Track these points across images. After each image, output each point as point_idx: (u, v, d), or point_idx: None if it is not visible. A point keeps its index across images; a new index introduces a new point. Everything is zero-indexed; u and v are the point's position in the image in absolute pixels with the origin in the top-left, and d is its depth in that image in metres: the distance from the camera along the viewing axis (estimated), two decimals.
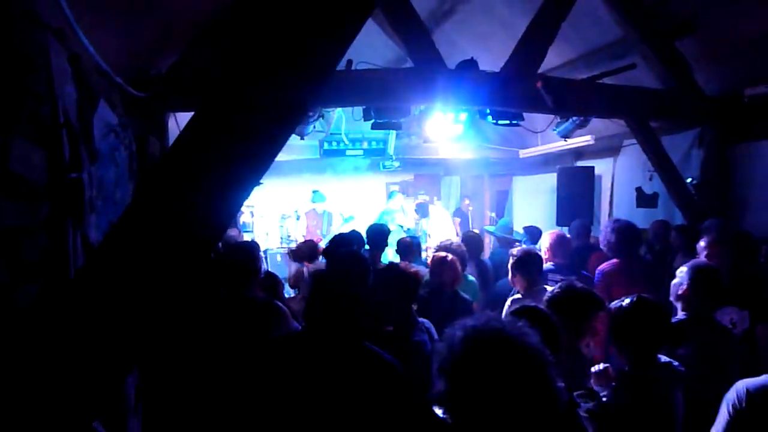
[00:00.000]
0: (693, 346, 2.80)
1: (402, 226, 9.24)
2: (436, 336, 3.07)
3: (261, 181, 1.79)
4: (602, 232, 4.84)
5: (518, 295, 3.92)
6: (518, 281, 3.95)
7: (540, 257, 4.09)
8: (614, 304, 2.63)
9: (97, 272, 1.60)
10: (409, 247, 5.51)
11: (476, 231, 7.14)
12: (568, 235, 4.96)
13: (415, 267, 3.45)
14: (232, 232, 6.62)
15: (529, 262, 3.93)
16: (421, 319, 3.22)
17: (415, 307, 3.28)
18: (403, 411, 2.20)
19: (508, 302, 3.93)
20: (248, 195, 1.73)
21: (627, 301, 2.58)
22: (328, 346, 2.26)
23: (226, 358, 2.70)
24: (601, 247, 4.85)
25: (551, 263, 4.64)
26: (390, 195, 10.25)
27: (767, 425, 1.93)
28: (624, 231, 4.58)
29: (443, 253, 4.30)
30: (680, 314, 3.04)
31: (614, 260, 4.56)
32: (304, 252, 5.91)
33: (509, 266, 4.03)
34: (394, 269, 3.31)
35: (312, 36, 1.57)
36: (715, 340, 2.93)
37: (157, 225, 1.55)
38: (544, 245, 4.76)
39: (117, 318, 1.58)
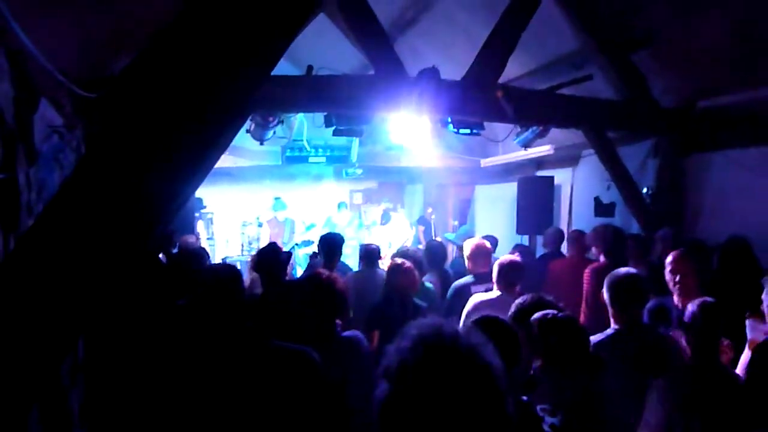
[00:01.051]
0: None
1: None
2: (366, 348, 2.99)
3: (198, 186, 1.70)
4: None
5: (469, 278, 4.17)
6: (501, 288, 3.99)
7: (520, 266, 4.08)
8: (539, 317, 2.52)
9: (19, 263, 1.51)
10: (374, 254, 5.45)
11: (439, 239, 7.13)
12: (489, 245, 4.96)
13: (338, 276, 3.15)
14: (189, 238, 6.46)
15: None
16: (348, 333, 3.00)
17: (339, 321, 3.05)
18: (318, 393, 2.24)
19: (469, 305, 3.95)
20: (180, 197, 1.65)
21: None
22: (234, 347, 2.27)
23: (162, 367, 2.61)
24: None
25: (471, 276, 4.59)
26: (339, 206, 10.12)
27: None
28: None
29: (399, 260, 4.27)
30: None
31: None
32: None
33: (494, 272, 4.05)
34: (313, 282, 2.98)
35: (249, 39, 1.53)
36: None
37: (80, 218, 1.47)
38: (465, 255, 4.75)
39: (38, 313, 1.50)
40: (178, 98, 1.54)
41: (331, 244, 5.19)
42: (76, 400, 2.92)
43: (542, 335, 2.40)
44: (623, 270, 3.15)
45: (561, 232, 6.29)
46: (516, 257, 4.15)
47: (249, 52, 1.57)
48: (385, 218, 9.14)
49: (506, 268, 3.97)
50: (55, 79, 2.81)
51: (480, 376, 1.22)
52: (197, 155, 1.55)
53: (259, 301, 3.05)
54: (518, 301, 2.83)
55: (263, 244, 8.90)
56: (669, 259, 3.68)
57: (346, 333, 2.98)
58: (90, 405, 2.98)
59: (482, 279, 4.44)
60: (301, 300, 2.90)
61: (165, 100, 1.54)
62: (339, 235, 5.57)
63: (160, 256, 4.68)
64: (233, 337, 2.29)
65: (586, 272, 4.64)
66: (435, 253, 5.44)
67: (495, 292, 3.99)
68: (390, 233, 8.73)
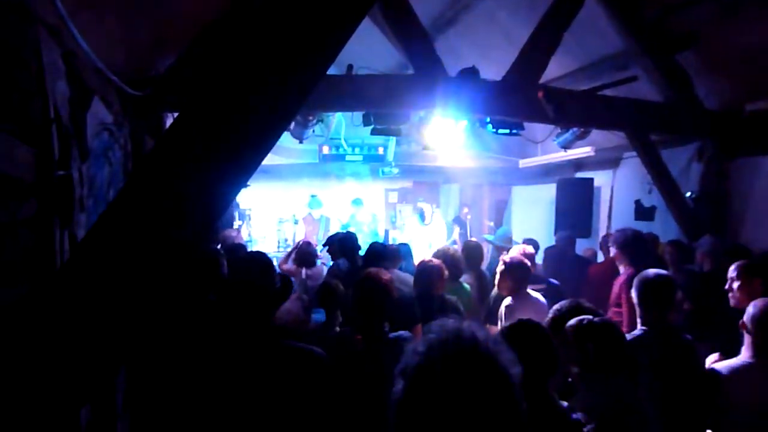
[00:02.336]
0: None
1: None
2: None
3: (248, 183, 1.75)
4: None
5: (509, 300, 4.06)
6: (505, 286, 4.11)
7: (527, 266, 4.19)
8: (573, 324, 2.46)
9: (80, 268, 1.57)
10: (385, 254, 5.52)
11: (474, 240, 7.10)
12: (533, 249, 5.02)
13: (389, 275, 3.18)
14: (231, 233, 6.61)
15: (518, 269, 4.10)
16: (396, 334, 2.99)
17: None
18: (320, 392, 2.27)
19: (502, 308, 4.04)
20: (233, 196, 1.70)
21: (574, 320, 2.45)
22: (247, 345, 2.32)
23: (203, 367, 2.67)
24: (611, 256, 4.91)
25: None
26: (355, 203, 10.03)
27: None
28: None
29: (427, 258, 4.43)
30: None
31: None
32: (302, 256, 5.97)
33: (498, 272, 4.16)
34: (364, 282, 3.01)
35: (302, 42, 1.55)
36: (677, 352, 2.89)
37: (141, 221, 1.53)
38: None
39: (102, 315, 1.56)
40: (229, 97, 1.58)
41: (344, 243, 5.29)
42: (120, 389, 3.02)
43: (578, 342, 2.36)
44: (653, 271, 3.11)
45: (572, 235, 6.30)
46: (523, 254, 4.30)
47: (304, 50, 1.59)
48: (422, 217, 9.05)
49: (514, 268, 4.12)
50: (105, 78, 2.92)
51: (495, 382, 1.22)
52: (248, 155, 1.60)
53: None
54: (555, 307, 2.78)
55: (298, 240, 9.03)
56: (732, 268, 3.55)
57: (394, 334, 3.00)
58: (132, 394, 3.08)
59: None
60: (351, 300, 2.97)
61: (216, 100, 1.59)
62: (350, 233, 5.69)
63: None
64: (248, 335, 2.33)
65: (615, 286, 4.55)
66: (472, 254, 5.45)
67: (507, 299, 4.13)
68: (430, 233, 8.67)
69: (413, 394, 1.23)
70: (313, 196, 9.77)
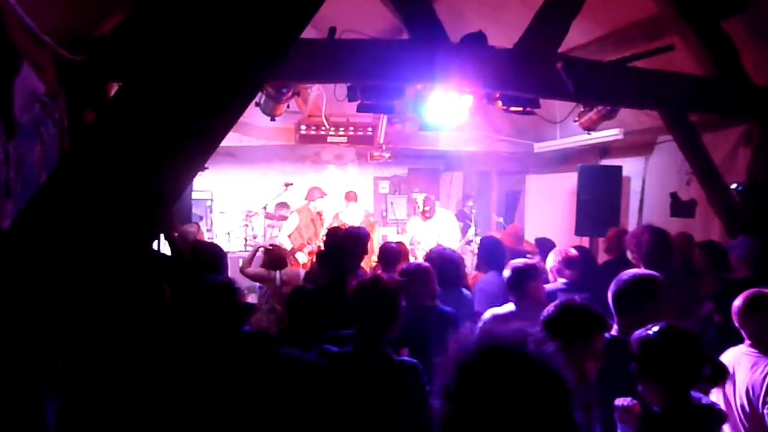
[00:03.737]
0: None
1: None
2: None
3: (206, 165, 1.76)
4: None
5: (511, 306, 4.18)
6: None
7: (538, 270, 4.30)
8: (639, 333, 2.63)
9: (2, 263, 1.57)
10: (398, 256, 5.53)
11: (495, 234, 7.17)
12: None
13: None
14: (189, 227, 6.58)
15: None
16: (406, 359, 3.10)
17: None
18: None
19: (488, 314, 4.19)
20: (188, 181, 1.71)
21: (654, 329, 2.58)
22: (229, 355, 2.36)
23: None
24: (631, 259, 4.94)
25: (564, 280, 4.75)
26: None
27: None
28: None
29: (418, 261, 4.50)
30: None
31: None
32: (272, 258, 6.00)
33: (507, 281, 4.24)
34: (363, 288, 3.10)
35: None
36: None
37: (76, 208, 1.53)
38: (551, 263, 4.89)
39: (26, 317, 1.56)
40: (184, 63, 1.59)
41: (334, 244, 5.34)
42: (53, 411, 3.01)
43: (652, 354, 2.50)
44: (630, 272, 3.40)
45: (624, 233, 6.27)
46: (529, 258, 4.37)
47: (272, 4, 1.58)
48: (431, 211, 8.92)
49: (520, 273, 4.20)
50: (37, 39, 2.91)
51: (553, 391, 1.29)
52: (206, 131, 1.60)
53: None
54: (546, 310, 2.95)
55: (283, 234, 9.02)
56: None
57: (401, 358, 3.05)
58: (68, 416, 3.07)
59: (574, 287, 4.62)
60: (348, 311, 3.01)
61: (169, 66, 1.59)
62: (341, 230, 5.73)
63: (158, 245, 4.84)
64: (228, 344, 2.37)
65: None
66: (492, 251, 5.53)
67: (508, 306, 4.23)
68: (436, 229, 8.58)
69: (463, 415, 1.28)
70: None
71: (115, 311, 2.91)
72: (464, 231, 9.58)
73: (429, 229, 8.57)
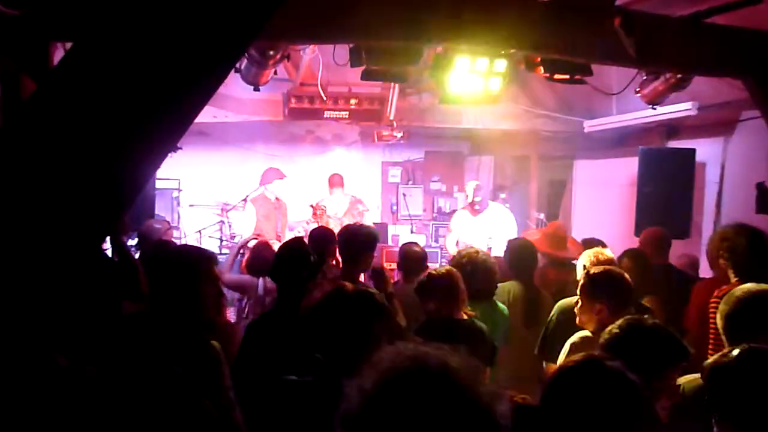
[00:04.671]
0: None
1: None
2: None
3: (179, 146, 1.76)
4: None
5: (587, 333, 4.02)
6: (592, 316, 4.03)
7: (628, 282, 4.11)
8: (715, 359, 2.62)
9: None
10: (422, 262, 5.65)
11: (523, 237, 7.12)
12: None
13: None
14: (155, 224, 6.61)
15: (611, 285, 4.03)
16: None
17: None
18: None
19: (569, 343, 4.05)
20: (155, 166, 1.71)
21: (734, 353, 2.57)
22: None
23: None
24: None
25: None
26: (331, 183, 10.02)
27: None
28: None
29: (441, 269, 4.50)
30: None
31: None
32: (256, 261, 6.03)
33: (579, 291, 4.12)
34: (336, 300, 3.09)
35: None
36: None
37: (14, 198, 1.53)
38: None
39: None
40: (147, 18, 1.59)
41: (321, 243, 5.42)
42: None
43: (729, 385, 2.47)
44: (746, 287, 3.38)
45: (666, 234, 6.26)
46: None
47: None
48: (482, 203, 8.77)
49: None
50: None
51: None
52: (175, 104, 1.60)
53: None
54: (609, 329, 2.93)
55: (243, 233, 9.05)
56: None
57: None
58: None
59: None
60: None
61: (128, 23, 1.60)
62: (329, 230, 5.79)
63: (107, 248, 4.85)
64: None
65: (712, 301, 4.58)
66: (522, 256, 5.54)
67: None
68: (487, 228, 8.47)
69: None
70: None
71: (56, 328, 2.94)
72: None
73: (479, 228, 8.46)
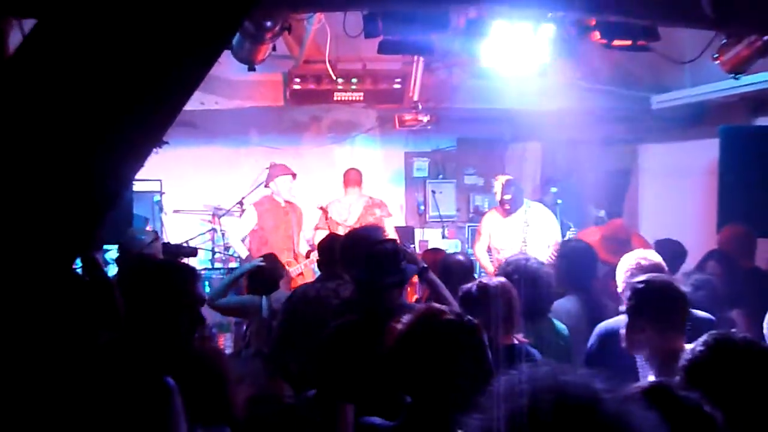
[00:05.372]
0: None
1: None
2: None
3: (164, 141, 1.78)
4: None
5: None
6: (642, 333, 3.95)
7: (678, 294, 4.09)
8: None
9: None
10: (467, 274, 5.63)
11: (579, 239, 7.10)
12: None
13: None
14: (140, 234, 6.63)
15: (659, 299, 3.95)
16: None
17: None
18: None
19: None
20: (136, 166, 1.73)
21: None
22: None
23: None
24: None
25: None
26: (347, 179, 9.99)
27: None
28: None
29: (492, 280, 4.54)
30: None
31: None
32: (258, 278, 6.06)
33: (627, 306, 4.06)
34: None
35: None
36: None
37: None
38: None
39: None
40: None
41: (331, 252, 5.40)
42: None
43: None
44: None
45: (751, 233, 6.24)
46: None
47: None
48: (514, 201, 8.74)
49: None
50: None
51: None
52: (158, 90, 1.62)
53: None
54: (691, 349, 2.90)
55: (234, 242, 9.09)
56: None
57: None
58: None
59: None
60: None
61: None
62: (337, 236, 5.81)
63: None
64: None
65: None
66: (576, 264, 5.51)
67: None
68: (523, 230, 8.47)
69: None
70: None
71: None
72: None
73: (512, 231, 8.46)
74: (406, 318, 3.00)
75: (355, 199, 9.45)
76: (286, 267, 7.79)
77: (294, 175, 9.04)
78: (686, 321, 3.95)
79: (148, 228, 7.65)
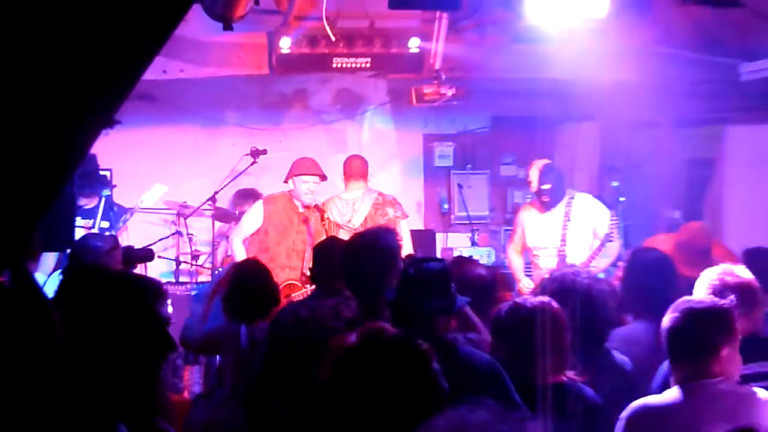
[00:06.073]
0: None
1: None
2: None
3: (115, 119, 1.80)
4: None
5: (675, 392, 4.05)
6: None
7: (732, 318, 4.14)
8: None
9: None
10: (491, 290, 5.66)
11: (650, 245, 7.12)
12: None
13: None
14: (95, 240, 6.65)
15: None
16: None
17: None
18: None
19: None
20: (81, 150, 1.74)
21: None
22: None
23: None
24: None
25: None
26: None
27: None
28: None
29: (527, 301, 4.50)
30: None
31: None
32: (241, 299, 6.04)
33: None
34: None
35: None
36: None
37: None
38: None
39: None
40: None
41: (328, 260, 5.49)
42: None
43: None
44: None
45: None
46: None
47: None
48: (556, 187, 8.69)
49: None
50: None
51: None
52: (108, 54, 1.64)
53: None
54: None
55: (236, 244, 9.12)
56: None
57: None
58: None
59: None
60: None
61: None
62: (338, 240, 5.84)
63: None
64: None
65: None
66: (647, 279, 5.51)
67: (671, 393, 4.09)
68: (565, 229, 8.47)
69: None
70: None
71: None
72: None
73: (553, 228, 8.47)
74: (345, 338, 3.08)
75: (360, 195, 9.32)
76: (284, 287, 7.90)
77: (322, 177, 8.94)
78: None
79: (108, 234, 7.63)
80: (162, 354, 3.40)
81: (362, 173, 9.37)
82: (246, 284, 5.96)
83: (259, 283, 6.00)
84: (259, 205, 8.86)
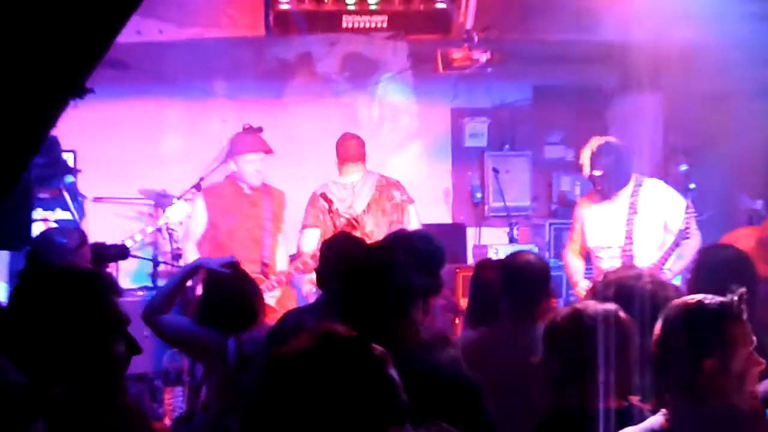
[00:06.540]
0: None
1: None
2: None
3: (83, 90, 1.79)
4: None
5: None
6: None
7: None
8: None
9: None
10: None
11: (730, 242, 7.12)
12: None
13: None
14: (59, 236, 6.68)
15: None
16: None
17: None
18: None
19: None
20: (43, 127, 1.73)
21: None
22: None
23: None
24: None
25: None
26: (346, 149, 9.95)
27: None
28: None
29: (587, 307, 4.45)
30: None
31: None
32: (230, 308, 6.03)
33: None
34: None
35: None
36: None
37: None
38: None
39: None
40: None
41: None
42: None
43: None
44: None
45: None
46: None
47: None
48: (610, 178, 8.66)
49: None
50: None
51: None
52: (62, 23, 1.61)
53: None
54: None
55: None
56: None
57: None
58: None
59: None
60: None
61: None
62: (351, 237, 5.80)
63: None
64: None
65: None
66: (723, 281, 5.48)
67: None
68: (629, 221, 8.48)
69: None
70: None
71: None
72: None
73: (614, 222, 8.49)
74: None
75: (360, 178, 9.42)
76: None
77: (267, 151, 8.97)
78: None
79: (70, 227, 7.65)
80: (127, 356, 3.42)
81: (359, 154, 9.48)
82: (232, 293, 5.96)
83: (240, 287, 6.01)
84: (199, 198, 8.93)
